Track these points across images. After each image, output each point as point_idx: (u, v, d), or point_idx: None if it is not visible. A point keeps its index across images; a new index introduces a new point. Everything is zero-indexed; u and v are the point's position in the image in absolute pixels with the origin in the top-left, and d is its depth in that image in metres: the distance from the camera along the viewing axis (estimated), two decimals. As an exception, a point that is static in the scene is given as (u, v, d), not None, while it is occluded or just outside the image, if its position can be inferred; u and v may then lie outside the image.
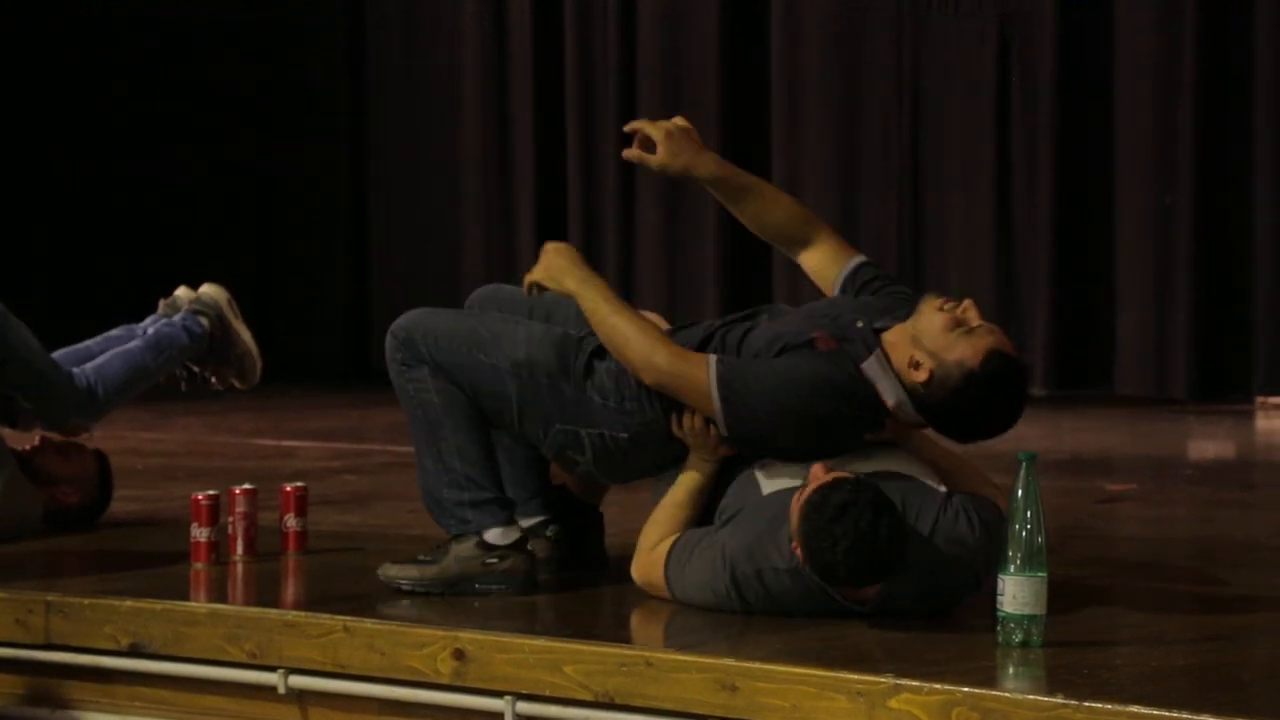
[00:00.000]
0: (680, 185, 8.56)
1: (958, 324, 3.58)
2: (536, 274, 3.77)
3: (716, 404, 3.65)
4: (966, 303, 3.61)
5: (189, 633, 3.76)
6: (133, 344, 4.79)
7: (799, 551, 3.48)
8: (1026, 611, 3.33)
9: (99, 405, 4.66)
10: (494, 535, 3.79)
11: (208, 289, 4.90)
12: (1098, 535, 4.88)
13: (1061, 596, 3.49)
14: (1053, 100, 7.99)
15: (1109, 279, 7.98)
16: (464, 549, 3.79)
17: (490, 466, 3.83)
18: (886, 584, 3.50)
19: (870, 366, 3.63)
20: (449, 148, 9.10)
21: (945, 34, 8.17)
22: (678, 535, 3.72)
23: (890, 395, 3.63)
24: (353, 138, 9.35)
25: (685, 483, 3.78)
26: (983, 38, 8.10)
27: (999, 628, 3.36)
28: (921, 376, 3.59)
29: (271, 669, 3.68)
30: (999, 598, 3.35)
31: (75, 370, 4.67)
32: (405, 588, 3.79)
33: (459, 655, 3.50)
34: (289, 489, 4.32)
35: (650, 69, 8.63)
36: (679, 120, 3.95)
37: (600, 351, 3.79)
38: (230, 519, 4.23)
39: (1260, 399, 7.86)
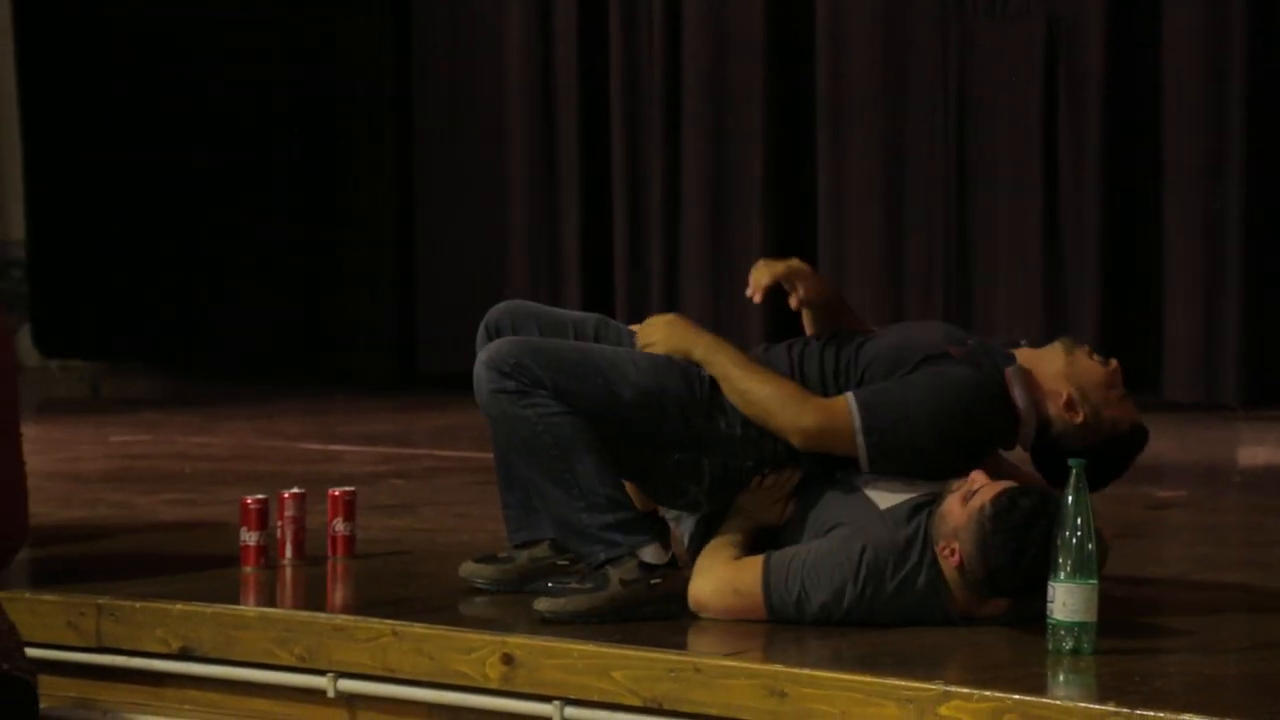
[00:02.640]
0: (725, 194, 8.56)
1: (1114, 384, 3.74)
2: (657, 347, 3.73)
3: (860, 442, 3.62)
4: (1115, 363, 3.76)
5: (239, 636, 3.77)
6: None
7: (959, 549, 3.45)
8: (1077, 619, 3.32)
9: None
10: (649, 554, 3.64)
11: None
12: (1147, 542, 4.85)
13: (1112, 604, 3.47)
14: (1101, 103, 7.94)
15: (1157, 283, 7.93)
16: (626, 572, 3.62)
17: (623, 487, 3.68)
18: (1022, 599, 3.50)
19: (1012, 375, 3.70)
20: (494, 155, 9.10)
21: (991, 37, 8.14)
22: (765, 555, 3.64)
23: (1022, 409, 3.68)
24: (398, 146, 9.36)
25: (737, 528, 3.71)
26: (1030, 40, 8.06)
27: (1049, 635, 3.34)
28: (1077, 419, 3.70)
29: (321, 673, 3.70)
30: (1049, 605, 3.33)
31: None
32: (579, 620, 3.59)
33: (507, 660, 3.50)
34: (337, 493, 4.33)
35: (695, 77, 8.61)
36: (797, 263, 3.95)
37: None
38: (279, 523, 4.25)
39: (1311, 405, 7.80)
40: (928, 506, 3.57)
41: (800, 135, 8.34)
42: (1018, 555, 3.39)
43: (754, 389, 3.68)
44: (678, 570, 3.71)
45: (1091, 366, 3.73)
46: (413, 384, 9.06)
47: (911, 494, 3.61)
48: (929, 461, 3.64)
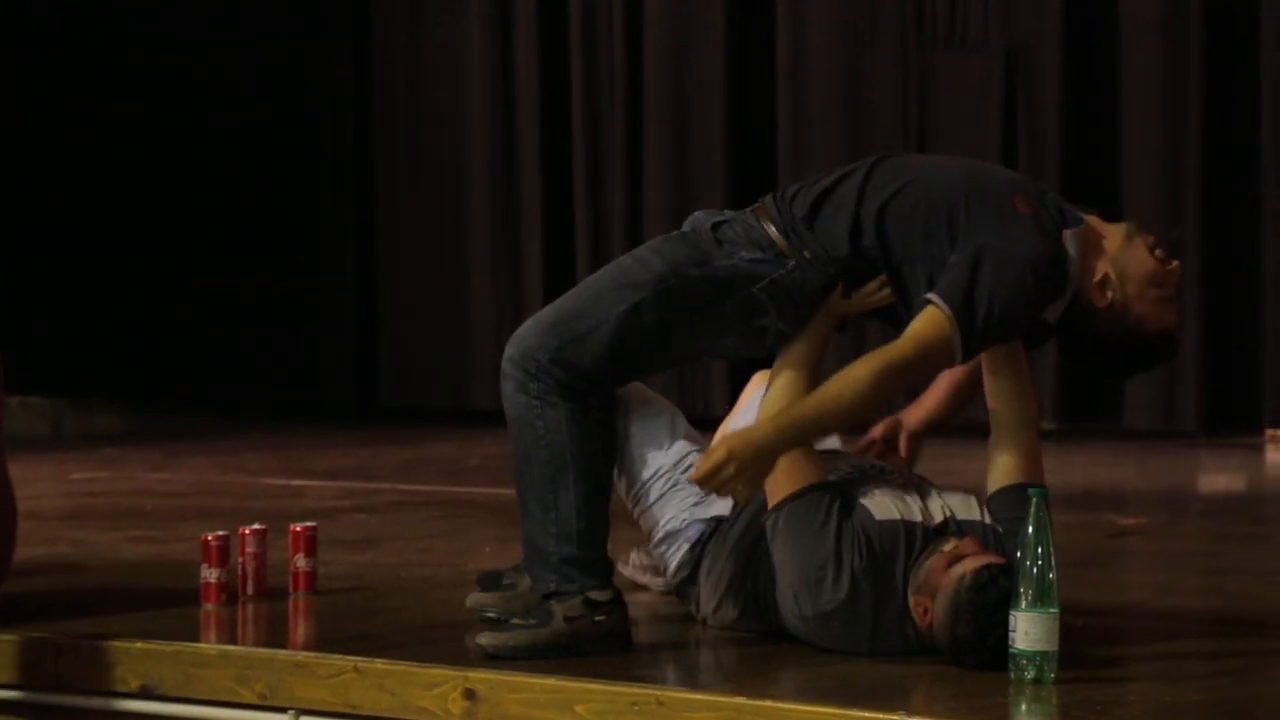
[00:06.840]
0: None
1: (1162, 283, 3.57)
2: (736, 483, 3.46)
3: (958, 349, 3.46)
4: (1177, 265, 3.58)
5: (199, 674, 3.75)
6: None
7: (931, 610, 3.45)
8: (1038, 648, 3.32)
9: None
10: (595, 593, 3.62)
11: None
12: (1108, 570, 4.87)
13: (1072, 632, 3.48)
14: (1059, 133, 8.00)
15: (1117, 312, 7.97)
16: (570, 608, 3.60)
17: (603, 527, 3.64)
18: None
19: (1070, 237, 3.56)
20: (455, 185, 9.12)
21: (951, 68, 8.19)
22: (798, 491, 3.57)
23: (1070, 275, 3.54)
24: (360, 176, 9.37)
25: (803, 350, 3.64)
26: (989, 72, 8.12)
27: (1011, 664, 3.35)
28: (1101, 301, 3.56)
29: (282, 710, 3.68)
30: (1011, 634, 3.34)
31: None
32: (522, 656, 3.55)
33: (470, 695, 3.49)
34: (298, 529, 4.32)
35: (656, 105, 8.65)
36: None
37: (717, 223, 3.65)
38: (240, 559, 4.23)
39: (1270, 432, 7.84)
40: (920, 536, 3.55)
41: (762, 168, 8.36)
42: (984, 633, 3.37)
43: (846, 406, 3.45)
44: (622, 607, 3.68)
45: (1143, 257, 3.56)
46: (375, 418, 9.04)
47: (905, 515, 3.59)
48: (1005, 337, 3.53)
